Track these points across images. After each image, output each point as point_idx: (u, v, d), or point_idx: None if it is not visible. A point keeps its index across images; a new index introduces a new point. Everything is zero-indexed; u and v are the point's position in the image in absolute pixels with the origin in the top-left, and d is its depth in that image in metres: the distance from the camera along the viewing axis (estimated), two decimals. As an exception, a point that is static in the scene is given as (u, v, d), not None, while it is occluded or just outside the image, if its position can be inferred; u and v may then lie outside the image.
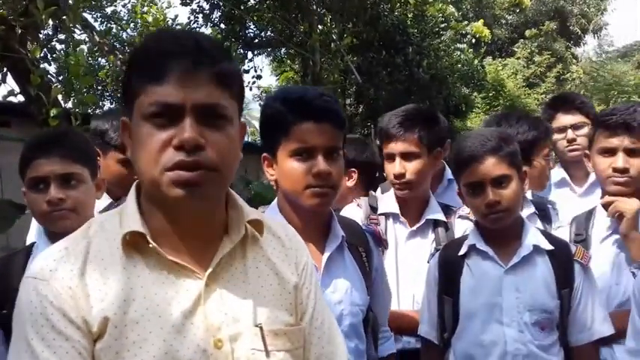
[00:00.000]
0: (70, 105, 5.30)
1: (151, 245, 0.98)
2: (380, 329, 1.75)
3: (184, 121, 0.95)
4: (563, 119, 2.60)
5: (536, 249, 1.73)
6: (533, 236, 1.75)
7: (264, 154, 1.56)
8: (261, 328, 1.03)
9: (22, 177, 1.65)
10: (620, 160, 1.89)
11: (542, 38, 21.47)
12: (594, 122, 2.09)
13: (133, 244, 1.00)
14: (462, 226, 2.12)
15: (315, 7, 11.29)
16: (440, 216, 2.13)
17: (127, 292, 0.97)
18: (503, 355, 1.67)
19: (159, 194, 0.98)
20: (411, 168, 2.06)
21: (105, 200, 2.06)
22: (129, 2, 10.74)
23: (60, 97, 5.27)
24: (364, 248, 1.67)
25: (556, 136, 2.55)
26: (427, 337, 1.86)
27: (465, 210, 2.19)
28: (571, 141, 2.55)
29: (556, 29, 21.83)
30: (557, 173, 2.62)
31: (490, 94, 18.28)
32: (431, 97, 12.68)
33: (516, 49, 21.40)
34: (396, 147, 2.07)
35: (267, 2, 11.52)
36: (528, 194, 2.23)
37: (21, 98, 5.67)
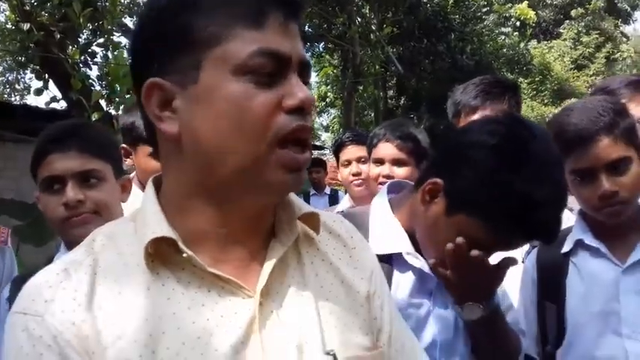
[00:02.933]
0: (112, 110, 5.22)
1: (185, 255, 0.73)
2: None
3: (291, 78, 0.73)
4: None
5: (661, 243, 1.42)
6: (656, 228, 1.44)
7: (438, 181, 1.21)
8: (334, 357, 0.77)
9: (35, 177, 1.41)
10: None
11: (589, 17, 20.51)
12: None
13: (158, 255, 0.74)
14: None
15: (353, -3, 11.01)
16: None
17: (154, 322, 0.71)
18: None
19: (251, 180, 0.73)
20: None
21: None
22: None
23: (102, 101, 5.20)
24: None
25: None
26: (526, 352, 1.57)
27: None
28: None
29: (604, 7, 20.81)
30: None
31: (537, 79, 17.61)
32: (476, 84, 12.23)
33: (562, 31, 20.56)
34: None
35: (304, -4, 11.30)
36: None
37: (63, 104, 5.64)
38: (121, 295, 0.72)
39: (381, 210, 1.34)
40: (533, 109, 16.47)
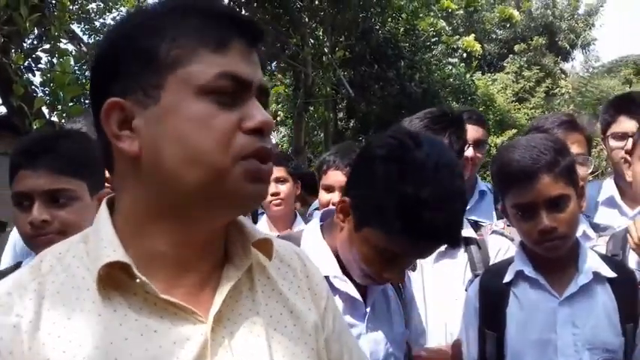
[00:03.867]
0: (55, 117, 5.04)
1: (138, 280, 0.72)
2: None
3: (250, 101, 0.76)
4: (626, 124, 2.16)
5: (596, 276, 1.49)
6: (591, 261, 1.51)
7: (346, 199, 1.27)
8: None
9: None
10: None
11: (531, 53, 21.46)
12: None
13: (110, 279, 0.73)
14: (497, 244, 1.88)
15: (307, 19, 11.12)
16: (470, 232, 1.87)
17: (106, 349, 0.70)
18: None
19: (214, 192, 0.74)
20: None
21: None
22: (118, 15, 10.53)
23: (45, 109, 5.02)
24: None
25: (613, 144, 2.21)
26: (467, 378, 1.61)
27: (499, 224, 1.96)
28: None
29: (545, 44, 21.85)
30: (607, 190, 2.28)
31: (480, 109, 18.21)
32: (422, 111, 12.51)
33: (506, 64, 21.40)
34: None
35: (258, 15, 11.34)
36: None
37: (3, 110, 5.41)
38: (70, 320, 0.71)
39: (312, 235, 1.38)
40: (476, 138, 16.98)
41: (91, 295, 0.73)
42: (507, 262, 1.60)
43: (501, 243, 1.87)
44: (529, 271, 1.52)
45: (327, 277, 1.28)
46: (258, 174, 0.76)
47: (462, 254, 1.86)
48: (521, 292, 1.53)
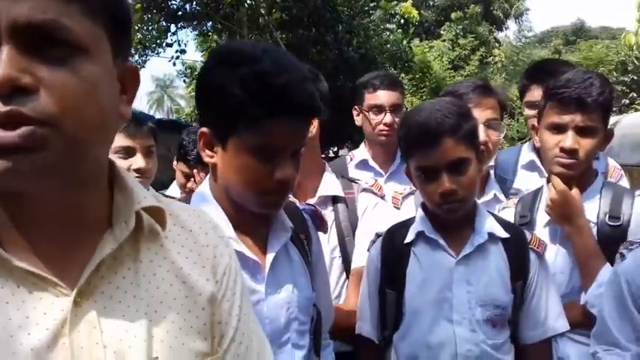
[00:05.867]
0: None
1: None
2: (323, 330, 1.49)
3: (0, 50, 0.62)
4: (537, 93, 2.19)
5: (491, 237, 1.54)
6: (487, 222, 1.55)
7: (204, 130, 1.22)
8: None
9: None
10: (569, 139, 1.67)
11: (466, 21, 21.84)
12: (546, 93, 1.79)
13: None
14: (365, 200, 1.93)
15: (242, -22, 10.80)
16: (336, 191, 1.89)
17: None
18: (454, 357, 1.48)
19: None
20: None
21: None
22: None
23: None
24: (305, 234, 1.42)
25: (527, 112, 2.28)
26: (368, 336, 1.64)
27: (369, 182, 2.01)
28: None
29: (480, 13, 22.29)
30: (527, 154, 2.35)
31: (417, 76, 18.41)
32: (360, 76, 12.49)
33: (442, 32, 21.70)
34: None
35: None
36: None
37: None
38: None
39: (200, 195, 1.32)
40: (413, 105, 17.23)
41: None
42: (409, 223, 1.63)
43: (369, 200, 1.91)
44: (429, 231, 1.56)
45: None
46: None
47: (329, 212, 1.87)
48: (421, 251, 1.57)
